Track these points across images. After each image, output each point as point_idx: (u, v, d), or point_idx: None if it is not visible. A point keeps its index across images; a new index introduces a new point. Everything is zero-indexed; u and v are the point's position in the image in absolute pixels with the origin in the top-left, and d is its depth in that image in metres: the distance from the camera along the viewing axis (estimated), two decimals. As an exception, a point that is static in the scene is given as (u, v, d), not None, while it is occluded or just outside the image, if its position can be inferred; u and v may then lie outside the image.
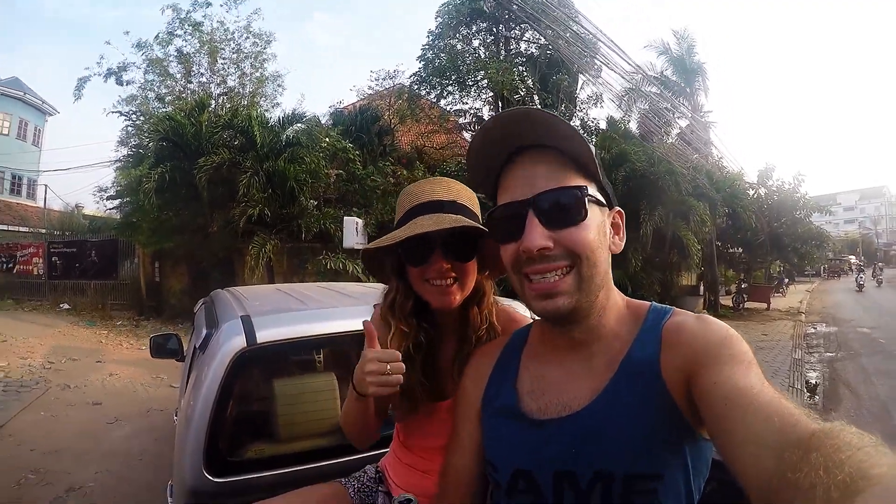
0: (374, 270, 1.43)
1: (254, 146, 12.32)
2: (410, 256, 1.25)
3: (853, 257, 50.08)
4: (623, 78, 14.77)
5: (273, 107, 18.87)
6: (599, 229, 0.90)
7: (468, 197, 1.31)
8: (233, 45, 19.02)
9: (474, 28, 16.73)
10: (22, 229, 24.08)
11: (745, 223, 17.91)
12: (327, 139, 13.04)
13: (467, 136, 18.36)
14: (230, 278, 13.92)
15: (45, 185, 28.34)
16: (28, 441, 5.28)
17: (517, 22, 16.18)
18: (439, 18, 16.52)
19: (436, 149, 17.24)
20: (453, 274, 1.23)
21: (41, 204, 27.76)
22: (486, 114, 17.41)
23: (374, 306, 2.00)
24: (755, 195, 20.34)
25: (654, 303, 0.98)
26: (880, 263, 23.73)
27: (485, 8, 15.98)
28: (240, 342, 1.85)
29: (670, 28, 27.44)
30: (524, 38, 16.69)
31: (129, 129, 17.92)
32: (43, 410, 6.36)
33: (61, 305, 16.02)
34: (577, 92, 16.68)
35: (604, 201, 0.93)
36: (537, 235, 0.86)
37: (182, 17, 18.39)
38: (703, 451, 0.86)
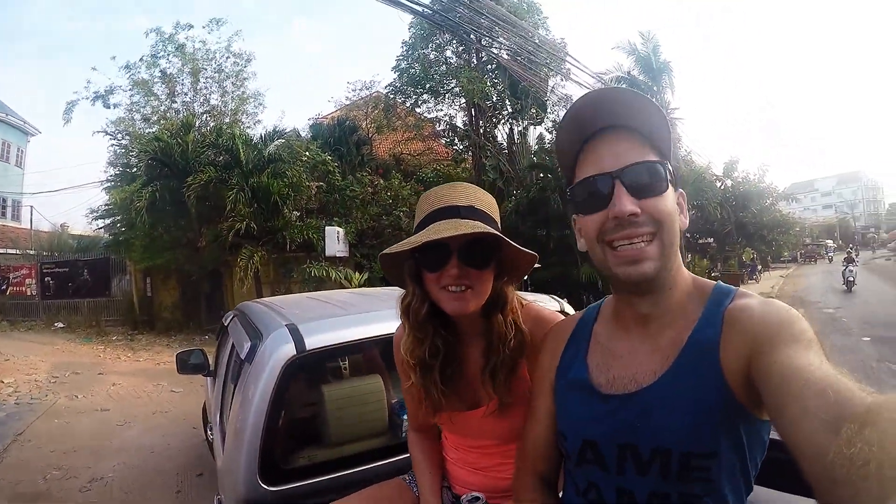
0: (391, 275, 1.39)
1: (239, 163, 12.89)
2: (426, 262, 1.23)
3: (830, 241, 51.42)
4: (583, 87, 15.38)
5: (255, 124, 19.44)
6: (674, 203, 0.95)
7: (487, 203, 1.29)
8: (214, 65, 19.58)
9: (446, 37, 17.16)
10: (11, 251, 24.35)
11: (712, 215, 18.71)
12: (307, 153, 13.67)
13: (443, 141, 19.00)
14: (219, 290, 14.49)
15: (31, 207, 28.25)
16: (47, 444, 5.74)
17: (487, 30, 16.85)
18: (412, 29, 17.07)
19: (413, 156, 17.83)
20: (468, 281, 1.21)
21: (27, 225, 27.61)
22: (460, 121, 18.06)
23: None
24: (721, 187, 21.22)
25: (719, 282, 1.00)
26: (851, 250, 23.69)
27: (455, 19, 16.61)
28: (289, 350, 1.86)
29: (637, 30, 28.26)
30: (494, 46, 17.26)
31: (117, 150, 18.45)
32: (56, 418, 6.81)
33: (56, 324, 16.34)
34: (548, 96, 17.25)
35: (675, 180, 0.96)
36: (627, 202, 0.90)
37: (165, 38, 18.97)
38: (760, 432, 0.89)
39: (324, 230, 12.83)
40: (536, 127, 17.68)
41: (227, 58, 19.64)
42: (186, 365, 3.66)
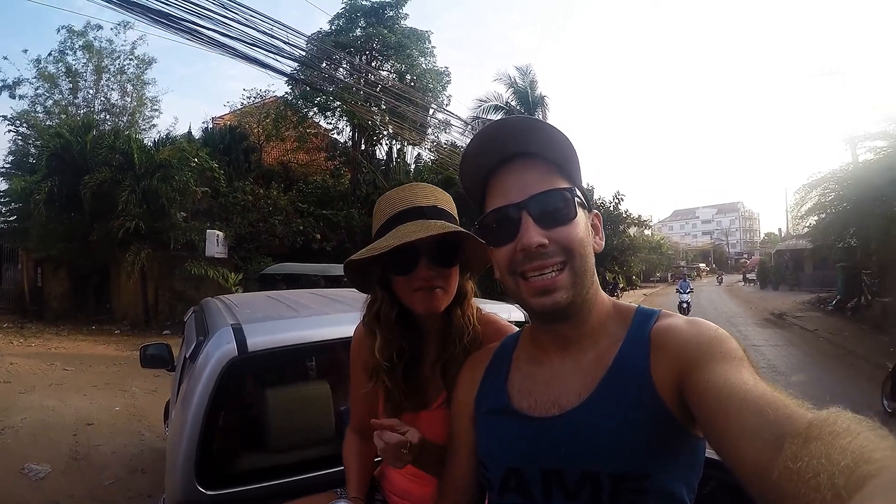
0: (355, 281, 1.36)
1: (132, 166, 13.97)
2: (396, 266, 1.21)
3: (703, 265, 57.11)
4: (461, 121, 17.61)
5: (150, 127, 20.36)
6: (586, 228, 0.93)
7: (445, 200, 1.29)
8: (117, 65, 20.28)
9: (339, 57, 18.21)
10: None
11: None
12: (196, 160, 14.76)
13: (325, 155, 20.36)
14: (107, 283, 15.59)
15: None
16: (-44, 407, 6.78)
17: (380, 52, 18.35)
18: (310, 45, 17.85)
19: (300, 165, 19.27)
20: (439, 281, 1.20)
21: None
22: (345, 136, 19.68)
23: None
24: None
25: (640, 306, 0.99)
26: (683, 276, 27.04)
27: (347, 41, 17.91)
28: (230, 351, 1.81)
29: (514, 65, 30.94)
30: (382, 69, 18.73)
31: (18, 141, 18.81)
32: (-38, 389, 7.78)
33: (-59, 310, 16.41)
34: (429, 119, 19.08)
35: (586, 204, 0.95)
36: (535, 233, 0.87)
37: (75, 35, 19.52)
38: (696, 451, 0.87)
39: (205, 233, 14.17)
40: (416, 147, 19.63)
41: (130, 59, 20.42)
42: (150, 359, 3.55)
